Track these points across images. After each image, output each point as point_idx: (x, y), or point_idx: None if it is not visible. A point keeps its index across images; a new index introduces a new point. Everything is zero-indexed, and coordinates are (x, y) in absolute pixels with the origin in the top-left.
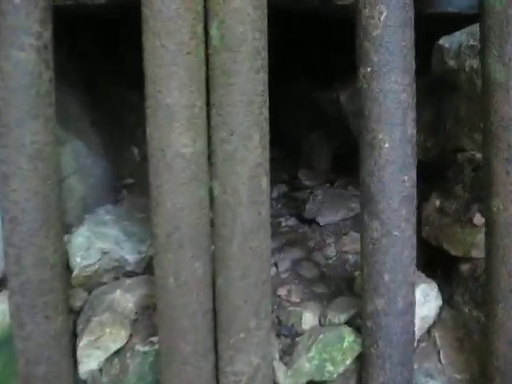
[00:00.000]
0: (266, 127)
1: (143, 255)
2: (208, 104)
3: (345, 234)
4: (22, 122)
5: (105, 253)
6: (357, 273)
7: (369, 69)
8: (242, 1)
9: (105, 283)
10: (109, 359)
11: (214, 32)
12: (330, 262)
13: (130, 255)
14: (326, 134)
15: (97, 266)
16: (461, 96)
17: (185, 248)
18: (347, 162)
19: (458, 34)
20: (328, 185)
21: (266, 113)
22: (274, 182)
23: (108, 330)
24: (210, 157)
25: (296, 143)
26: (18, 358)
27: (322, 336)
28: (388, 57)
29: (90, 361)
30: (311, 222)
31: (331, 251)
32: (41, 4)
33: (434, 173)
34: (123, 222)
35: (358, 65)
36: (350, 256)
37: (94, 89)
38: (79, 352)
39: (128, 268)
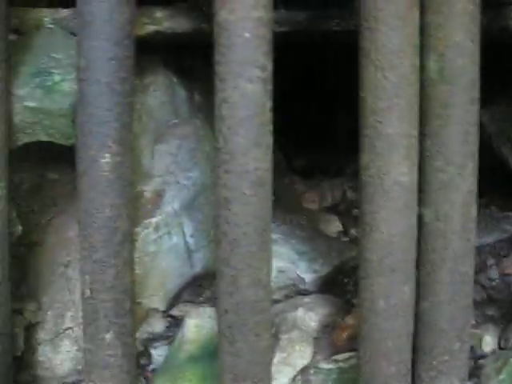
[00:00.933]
0: (477, 155)
1: (318, 274)
2: (420, 134)
3: (505, 256)
4: (246, 149)
5: (281, 271)
6: None
7: None
8: (463, 35)
9: (278, 301)
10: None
11: (432, 65)
12: (494, 284)
13: (306, 274)
14: None
15: (273, 285)
16: None
17: (396, 273)
18: (484, 182)
19: None
20: None
21: (477, 142)
22: None
23: (297, 348)
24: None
25: None
26: (223, 374)
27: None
28: None
29: (280, 377)
30: None
31: (494, 273)
32: (267, 37)
33: None
34: (291, 241)
35: None
36: None
37: None
38: (272, 368)
39: (302, 287)
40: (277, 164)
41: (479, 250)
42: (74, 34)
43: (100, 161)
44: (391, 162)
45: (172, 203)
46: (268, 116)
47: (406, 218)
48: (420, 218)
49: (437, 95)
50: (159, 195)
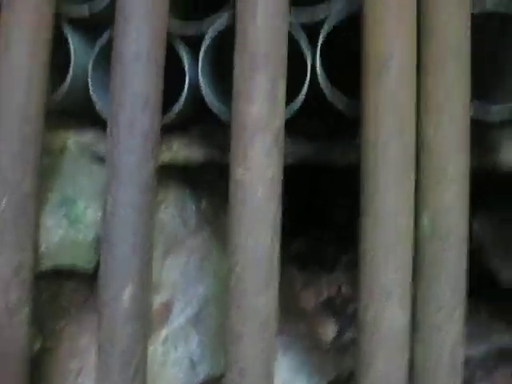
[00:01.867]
0: (466, 300)
1: None
2: (413, 281)
3: (494, 370)
4: (257, 289)
5: None
6: None
7: None
8: (455, 197)
9: None
10: None
11: (425, 222)
12: None
13: None
14: None
15: None
16: None
17: None
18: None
19: None
20: None
21: (466, 288)
22: None
23: None
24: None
25: None
26: None
27: None
28: None
29: None
30: None
31: None
32: (278, 191)
33: None
34: (289, 354)
35: None
36: None
37: None
38: None
39: None
40: None
41: (467, 363)
42: (98, 159)
43: (121, 296)
44: (387, 309)
45: (179, 316)
46: (276, 257)
47: (399, 358)
48: (413, 356)
49: (429, 249)
50: (167, 308)
